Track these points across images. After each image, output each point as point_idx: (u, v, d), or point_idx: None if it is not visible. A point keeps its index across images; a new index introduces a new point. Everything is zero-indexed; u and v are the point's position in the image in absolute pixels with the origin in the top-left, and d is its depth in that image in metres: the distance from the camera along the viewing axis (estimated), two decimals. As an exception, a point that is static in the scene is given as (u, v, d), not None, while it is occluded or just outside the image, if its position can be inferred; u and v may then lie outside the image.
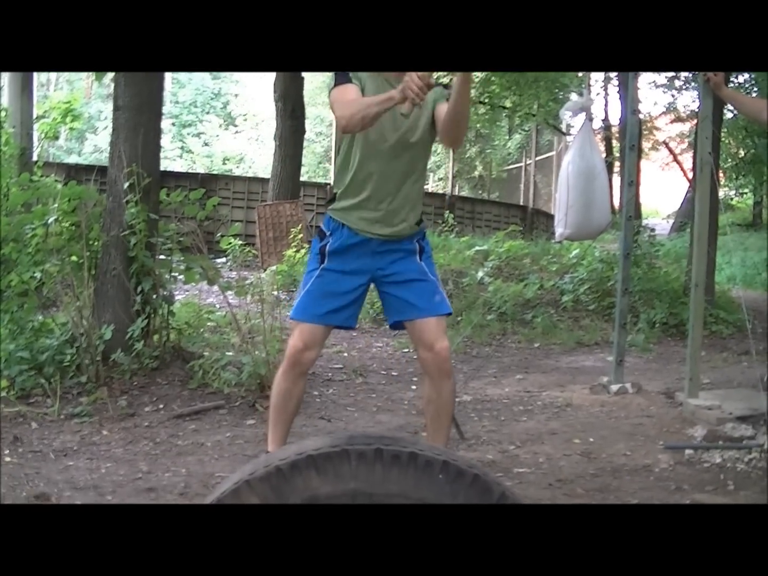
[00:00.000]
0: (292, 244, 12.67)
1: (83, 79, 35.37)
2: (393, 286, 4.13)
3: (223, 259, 12.03)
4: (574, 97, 24.07)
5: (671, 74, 23.79)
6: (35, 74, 12.99)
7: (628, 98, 7.32)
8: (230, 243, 11.05)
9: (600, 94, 31.38)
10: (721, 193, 13.97)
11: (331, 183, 4.33)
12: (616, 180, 20.75)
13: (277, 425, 4.22)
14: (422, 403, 4.40)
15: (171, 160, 36.14)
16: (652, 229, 12.58)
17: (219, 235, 10.99)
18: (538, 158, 25.45)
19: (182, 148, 39.76)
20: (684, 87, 24.17)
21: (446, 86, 4.02)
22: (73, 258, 6.57)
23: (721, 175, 18.61)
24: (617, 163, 21.95)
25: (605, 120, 31.04)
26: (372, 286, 4.23)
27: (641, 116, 17.97)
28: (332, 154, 20.70)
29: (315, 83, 32.93)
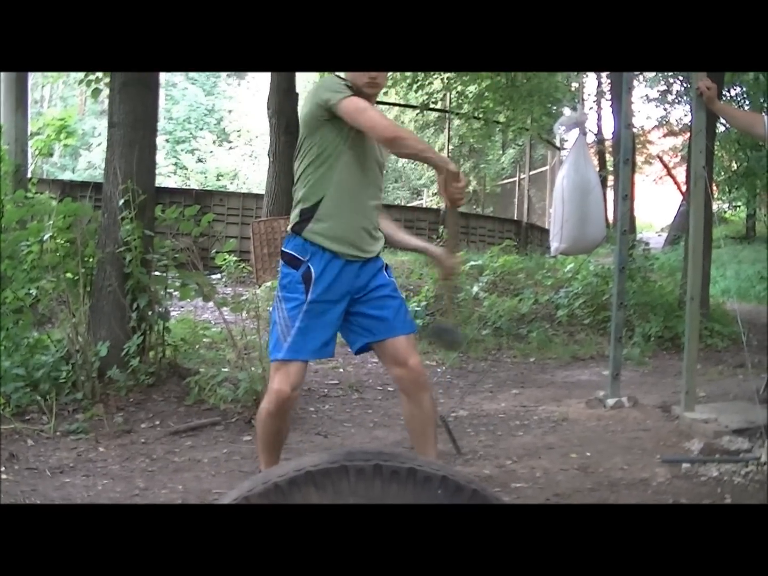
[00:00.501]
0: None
1: (77, 95, 35.42)
2: (368, 305, 4.03)
3: (218, 275, 12.01)
4: (567, 111, 24.14)
5: (663, 88, 23.90)
6: (29, 91, 12.99)
7: (622, 112, 7.35)
8: (225, 259, 11.06)
9: (593, 108, 31.54)
10: (714, 206, 14.00)
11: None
12: (610, 194, 20.81)
13: (269, 454, 4.12)
14: (405, 422, 4.32)
15: (165, 177, 36.08)
16: (647, 243, 12.60)
17: (214, 251, 10.98)
18: (531, 173, 25.47)
19: (176, 164, 39.71)
20: (676, 101, 24.28)
21: None
22: (69, 274, 6.57)
23: (714, 188, 18.64)
24: (611, 177, 21.99)
25: (598, 134, 31.15)
26: None
27: (634, 130, 18.03)
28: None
29: (309, 99, 32.91)
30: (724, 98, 16.87)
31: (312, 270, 3.90)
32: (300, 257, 3.92)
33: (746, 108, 19.33)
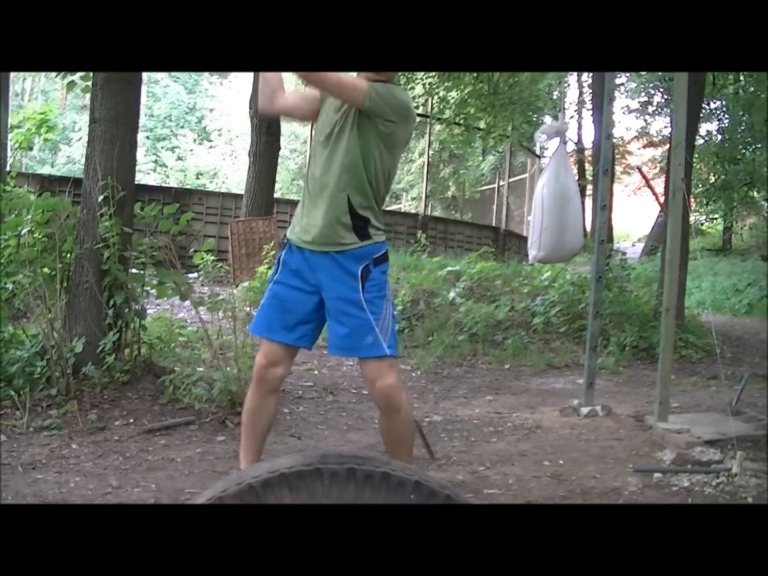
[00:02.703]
0: (265, 261, 12.63)
1: (58, 89, 35.23)
2: (331, 314, 4.00)
3: (196, 275, 11.98)
4: (548, 120, 24.24)
5: (644, 99, 24.00)
6: (10, 84, 12.93)
7: (603, 123, 7.37)
8: (203, 258, 11.03)
9: (574, 117, 31.67)
10: (691, 218, 14.07)
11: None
12: (588, 203, 20.89)
13: (249, 443, 4.20)
14: (379, 432, 4.36)
15: (145, 174, 35.99)
16: (624, 253, 12.66)
17: (192, 250, 10.96)
18: (511, 180, 25.49)
19: (156, 161, 39.59)
20: (657, 112, 24.38)
21: None
22: (46, 270, 6.54)
23: (692, 200, 18.74)
24: (590, 187, 22.08)
25: (578, 143, 31.27)
26: None
27: (614, 140, 18.14)
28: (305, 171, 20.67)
29: (291, 100, 32.88)
30: (704, 111, 16.97)
31: (282, 255, 4.08)
32: (285, 240, 4.14)
33: (725, 122, 19.48)
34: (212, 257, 10.79)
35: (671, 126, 6.93)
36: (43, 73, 30.37)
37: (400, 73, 16.02)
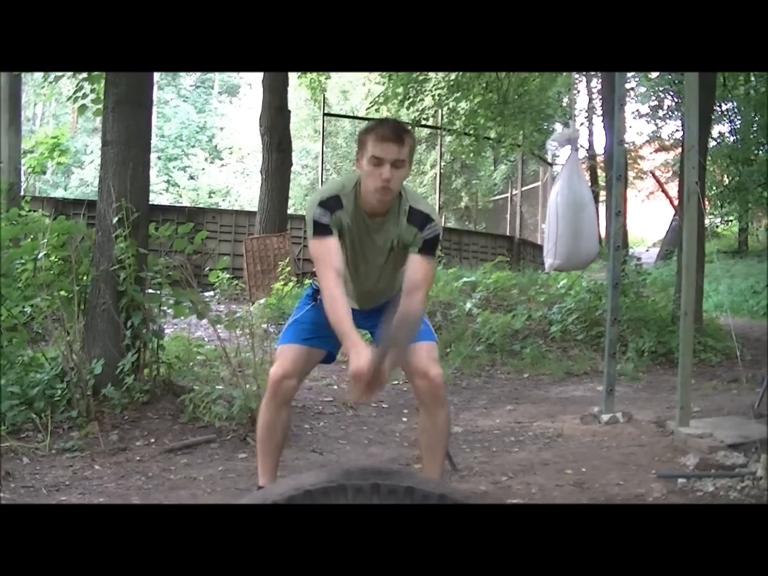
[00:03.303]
0: (280, 277, 12.66)
1: (69, 113, 35.44)
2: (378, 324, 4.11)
3: (212, 293, 12.00)
4: (559, 128, 24.21)
5: (655, 103, 23.96)
6: (21, 109, 12.99)
7: (615, 129, 7.36)
8: (218, 276, 11.05)
9: (584, 124, 31.66)
10: (706, 221, 14.03)
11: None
12: (602, 209, 20.86)
13: (266, 457, 4.20)
14: (417, 433, 4.38)
15: (157, 194, 36.13)
16: (639, 258, 12.62)
17: (207, 268, 10.98)
18: (523, 189, 25.50)
19: (168, 181, 39.76)
20: (668, 116, 24.36)
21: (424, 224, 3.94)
22: (63, 292, 6.57)
23: (706, 203, 18.69)
24: (603, 193, 22.05)
25: (590, 150, 31.25)
26: None
27: (626, 146, 18.11)
28: (319, 187, 20.71)
29: (301, 116, 33.05)
30: (716, 112, 16.93)
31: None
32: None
33: (737, 123, 19.43)
34: (228, 275, 10.83)
35: (683, 129, 6.93)
36: (54, 98, 30.52)
37: (410, 85, 16.06)
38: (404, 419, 7.04)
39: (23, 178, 12.77)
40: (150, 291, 6.72)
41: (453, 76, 16.08)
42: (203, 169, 40.80)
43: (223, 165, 41.45)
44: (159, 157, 38.87)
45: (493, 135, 19.86)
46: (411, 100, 16.63)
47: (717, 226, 26.39)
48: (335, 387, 8.32)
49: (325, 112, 24.48)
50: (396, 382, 8.37)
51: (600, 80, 20.12)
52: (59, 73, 11.05)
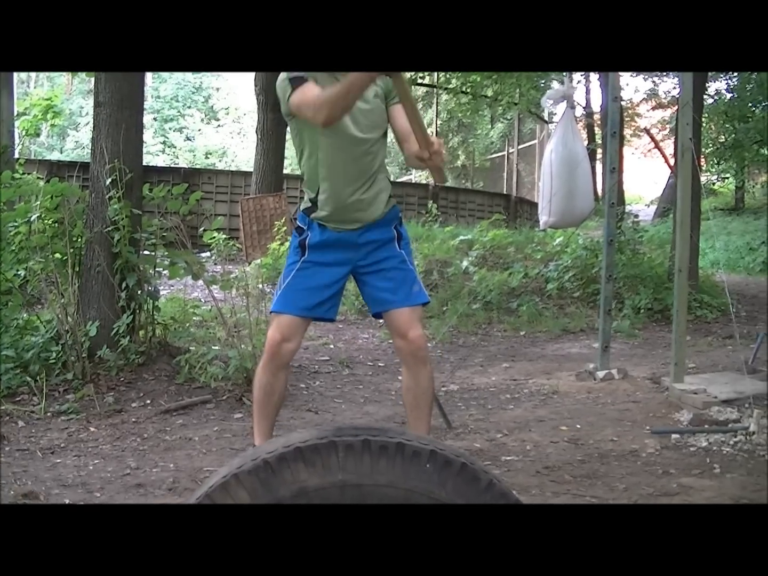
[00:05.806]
0: (276, 237, 12.63)
1: (63, 75, 35.23)
2: (371, 276, 4.14)
3: (207, 254, 12.00)
4: (555, 85, 24.08)
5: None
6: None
7: (609, 86, 7.33)
8: (214, 237, 11.05)
9: (581, 81, 31.51)
10: (703, 179, 14.00)
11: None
12: (599, 167, 20.80)
13: (262, 419, 4.22)
14: (402, 392, 4.40)
15: (153, 155, 36.07)
16: (636, 215, 12.62)
17: (202, 229, 10.98)
18: (520, 147, 25.48)
19: (164, 143, 39.65)
20: (665, 73, 24.23)
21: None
22: (57, 255, 6.56)
23: (702, 160, 18.64)
24: (599, 150, 21.98)
25: (587, 107, 31.11)
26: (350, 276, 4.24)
27: (622, 103, 18.00)
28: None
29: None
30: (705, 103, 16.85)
31: (309, 235, 4.12)
32: (303, 226, 4.17)
33: (734, 81, 19.33)
34: (223, 236, 10.83)
35: (679, 86, 6.89)
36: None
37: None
38: (400, 378, 7.03)
39: (17, 141, 12.70)
40: (145, 252, 6.71)
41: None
42: (199, 130, 40.69)
43: (219, 125, 41.35)
44: (155, 119, 38.79)
45: (489, 93, 19.80)
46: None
47: (713, 184, 26.35)
48: (332, 346, 8.34)
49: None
50: (392, 341, 8.37)
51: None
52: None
